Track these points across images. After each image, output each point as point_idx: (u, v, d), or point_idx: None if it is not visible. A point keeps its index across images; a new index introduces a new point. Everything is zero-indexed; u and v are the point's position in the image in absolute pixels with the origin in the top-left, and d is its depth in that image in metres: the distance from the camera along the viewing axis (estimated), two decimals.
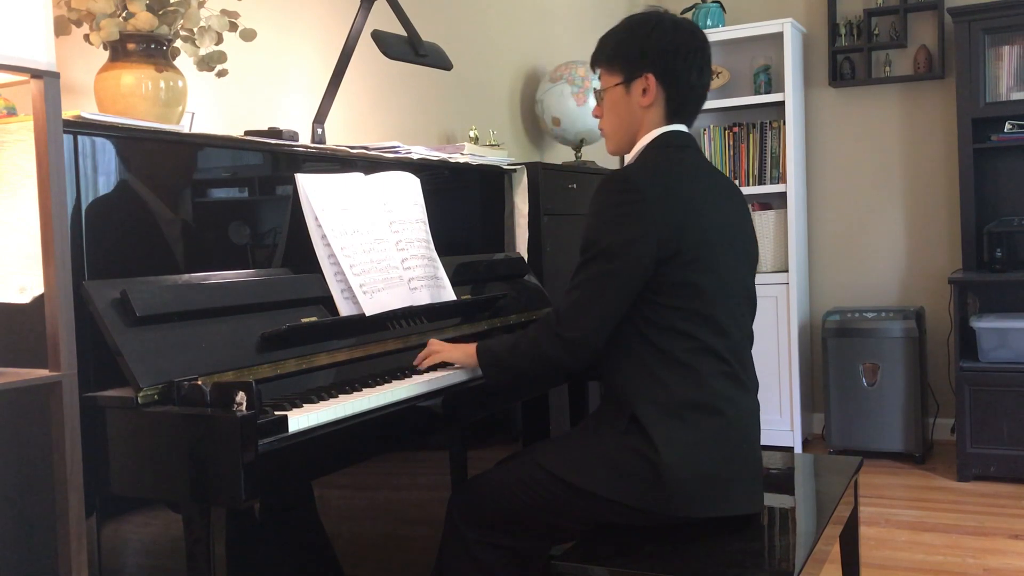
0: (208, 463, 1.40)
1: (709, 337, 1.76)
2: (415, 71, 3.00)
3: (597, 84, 1.96)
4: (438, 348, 1.96)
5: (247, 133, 2.00)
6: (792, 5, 4.73)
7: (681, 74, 1.84)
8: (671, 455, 1.70)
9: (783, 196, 4.48)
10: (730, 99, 4.63)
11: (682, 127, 1.88)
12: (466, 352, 1.93)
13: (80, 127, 1.54)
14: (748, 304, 1.90)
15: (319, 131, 2.27)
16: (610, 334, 1.77)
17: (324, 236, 1.91)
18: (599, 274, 1.73)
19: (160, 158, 1.71)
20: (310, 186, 1.93)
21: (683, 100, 1.86)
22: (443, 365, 1.96)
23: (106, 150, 1.60)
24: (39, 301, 1.39)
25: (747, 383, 1.84)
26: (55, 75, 1.35)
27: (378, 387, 1.75)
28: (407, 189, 2.19)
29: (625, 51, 1.87)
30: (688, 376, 1.75)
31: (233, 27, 1.90)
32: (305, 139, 2.19)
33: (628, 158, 1.90)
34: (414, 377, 1.87)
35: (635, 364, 1.77)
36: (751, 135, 4.56)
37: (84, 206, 1.55)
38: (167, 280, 1.65)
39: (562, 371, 2.08)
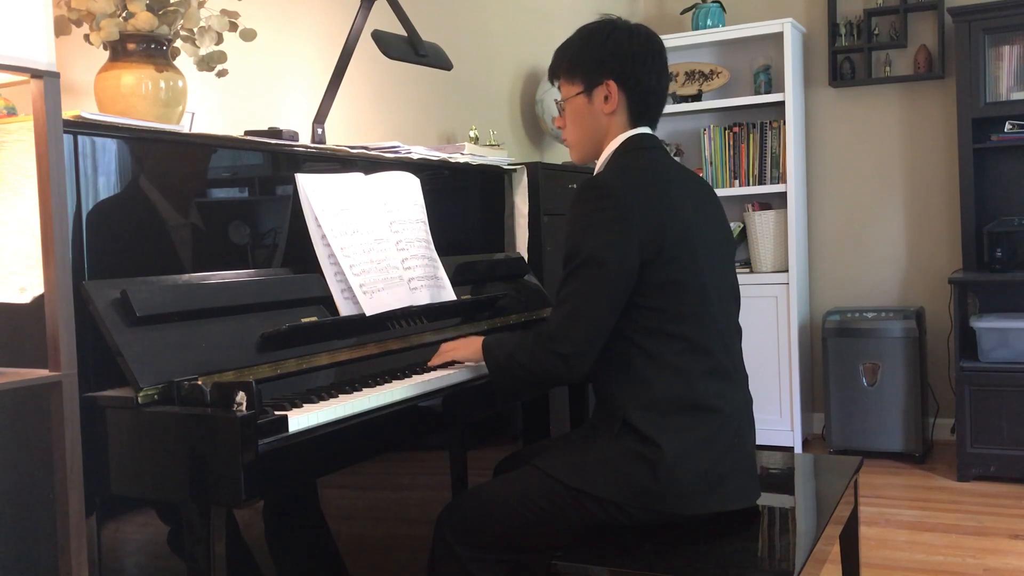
0: (208, 463, 1.40)
1: (698, 336, 1.76)
2: (415, 71, 3.00)
3: (557, 96, 1.97)
4: (448, 348, 1.98)
5: (247, 133, 2.00)
6: (792, 5, 4.73)
7: (641, 78, 1.86)
8: (666, 455, 1.71)
9: (783, 196, 4.48)
10: (730, 99, 4.62)
11: (647, 130, 1.90)
12: (473, 349, 1.93)
13: (80, 127, 1.54)
14: (732, 297, 1.90)
15: (319, 131, 2.27)
16: (604, 343, 1.76)
17: (324, 236, 1.91)
18: (587, 283, 1.72)
19: (160, 158, 1.71)
20: (310, 186, 1.93)
21: (645, 104, 1.88)
22: (446, 364, 1.96)
23: (106, 150, 1.60)
24: (39, 301, 1.39)
25: (737, 378, 1.85)
26: (55, 75, 1.35)
27: (378, 387, 1.75)
28: (407, 189, 2.19)
29: (584, 60, 1.89)
30: (678, 378, 1.75)
31: (233, 27, 1.90)
32: (305, 139, 2.19)
33: (597, 165, 1.91)
34: (414, 377, 1.86)
35: (625, 370, 1.77)
36: (751, 135, 4.56)
37: (84, 206, 1.55)
38: (167, 280, 1.65)
39: (560, 384, 2.07)
